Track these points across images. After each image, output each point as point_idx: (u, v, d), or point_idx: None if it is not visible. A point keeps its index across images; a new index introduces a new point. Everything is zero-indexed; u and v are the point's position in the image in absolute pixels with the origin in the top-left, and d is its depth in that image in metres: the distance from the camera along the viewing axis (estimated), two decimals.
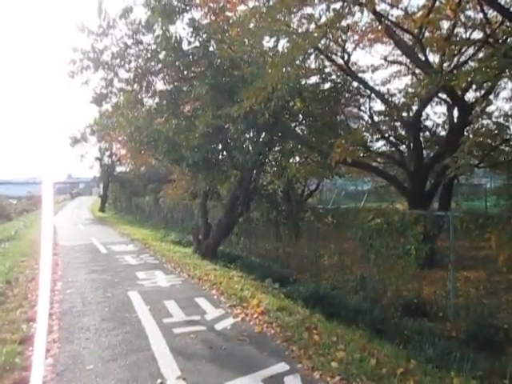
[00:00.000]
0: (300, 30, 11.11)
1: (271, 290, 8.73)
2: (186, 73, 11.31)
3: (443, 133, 14.05)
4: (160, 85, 12.18)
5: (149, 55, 11.14)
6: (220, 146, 12.11)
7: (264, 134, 11.25)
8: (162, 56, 11.00)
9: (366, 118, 14.52)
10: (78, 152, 34.65)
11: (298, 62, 9.80)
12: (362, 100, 14.21)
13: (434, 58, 12.25)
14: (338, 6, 9.27)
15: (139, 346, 5.25)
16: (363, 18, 11.52)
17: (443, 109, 14.09)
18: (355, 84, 13.08)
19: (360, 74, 13.43)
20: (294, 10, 10.60)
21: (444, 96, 12.33)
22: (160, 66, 11.31)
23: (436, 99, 13.08)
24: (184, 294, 7.88)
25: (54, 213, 35.78)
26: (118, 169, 39.38)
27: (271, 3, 9.30)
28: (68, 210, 45.14)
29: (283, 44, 10.86)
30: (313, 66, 12.76)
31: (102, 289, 8.53)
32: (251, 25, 10.21)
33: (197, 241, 13.68)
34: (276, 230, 13.30)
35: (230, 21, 11.11)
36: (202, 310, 6.81)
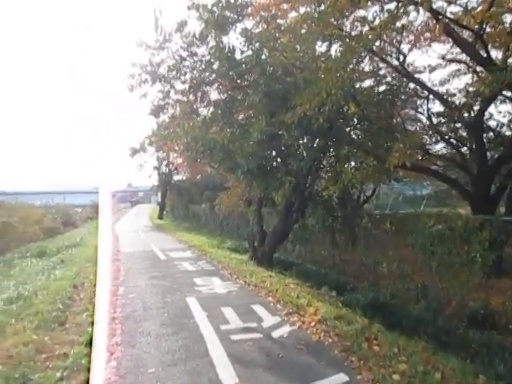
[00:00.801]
0: (353, 33, 10.93)
1: (328, 298, 8.58)
2: (239, 82, 11.47)
3: (508, 133, 13.25)
4: (214, 94, 12.48)
5: (203, 66, 11.44)
6: (274, 153, 12.15)
7: (318, 139, 11.15)
8: (215, 66, 11.25)
9: (424, 119, 14.00)
10: (137, 162, 36.07)
11: (351, 66, 9.66)
12: (419, 101, 13.73)
13: (496, 54, 11.60)
14: (392, 6, 9.08)
15: (198, 352, 5.33)
16: (419, 17, 11.19)
17: (508, 107, 13.30)
18: (412, 85, 12.67)
19: (417, 75, 12.99)
20: (347, 13, 10.48)
21: (509, 94, 11.64)
22: (214, 76, 11.56)
23: (500, 97, 12.36)
24: (240, 301, 7.93)
25: (116, 220, 37.41)
26: (176, 177, 40.58)
27: (323, 8, 9.23)
28: (128, 217, 46.96)
29: (336, 48, 10.78)
30: (367, 68, 12.53)
31: (161, 294, 8.78)
32: (303, 30, 10.19)
33: (252, 248, 13.75)
34: (332, 236, 13.08)
35: (282, 28, 11.16)
36: (259, 317, 6.81)
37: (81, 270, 11.82)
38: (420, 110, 13.88)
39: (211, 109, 12.23)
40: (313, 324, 6.36)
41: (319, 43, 10.78)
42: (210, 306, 7.54)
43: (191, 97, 12.00)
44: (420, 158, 12.30)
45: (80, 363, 5.01)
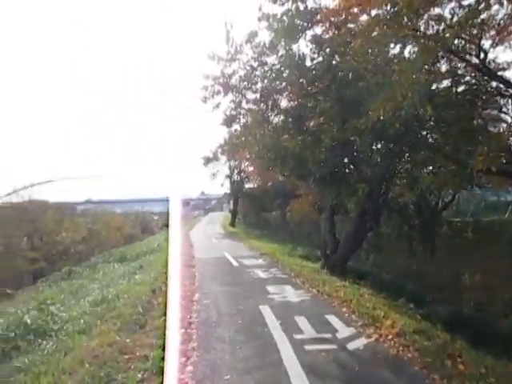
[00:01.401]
0: (428, 33, 10.46)
1: (405, 311, 8.21)
2: (309, 89, 11.42)
3: None
4: (285, 102, 12.52)
5: (273, 75, 11.53)
6: (346, 160, 11.92)
7: (393, 144, 10.77)
8: (286, 74, 11.29)
9: (510, 120, 12.97)
10: (210, 171, 37.15)
11: (427, 67, 9.24)
12: (502, 101, 12.76)
13: None
14: (471, 1, 8.56)
15: (272, 361, 5.32)
16: (502, 10, 10.44)
17: None
18: (494, 84, 11.81)
19: (500, 73, 12.09)
20: (421, 12, 10.05)
21: None
22: (284, 84, 11.61)
23: None
24: (314, 310, 7.82)
25: (190, 227, 38.68)
26: (247, 185, 41.19)
27: (396, 9, 8.93)
28: (202, 224, 48.34)
29: (409, 49, 10.37)
30: (443, 68, 11.89)
31: (234, 301, 8.90)
32: (374, 33, 9.93)
33: (324, 256, 13.55)
34: (408, 245, 12.55)
35: (353, 32, 10.96)
36: (333, 328, 6.66)
37: (158, 276, 12.33)
38: (504, 109, 12.89)
39: (282, 117, 12.29)
40: (390, 337, 6.10)
41: (392, 45, 10.44)
42: (283, 315, 7.51)
43: (262, 106, 12.13)
44: (504, 161, 11.42)
45: (159, 366, 5.19)
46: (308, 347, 5.78)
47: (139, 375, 4.94)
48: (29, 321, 7.48)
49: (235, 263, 15.19)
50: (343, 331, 6.49)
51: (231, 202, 49.60)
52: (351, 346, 5.82)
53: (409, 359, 5.29)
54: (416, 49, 9.78)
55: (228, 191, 46.89)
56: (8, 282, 18.52)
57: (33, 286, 17.37)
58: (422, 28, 10.95)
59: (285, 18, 10.38)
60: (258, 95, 11.87)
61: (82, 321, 7.45)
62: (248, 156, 23.87)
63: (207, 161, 33.94)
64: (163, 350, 5.82)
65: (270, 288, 10.11)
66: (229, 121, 12.41)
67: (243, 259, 16.11)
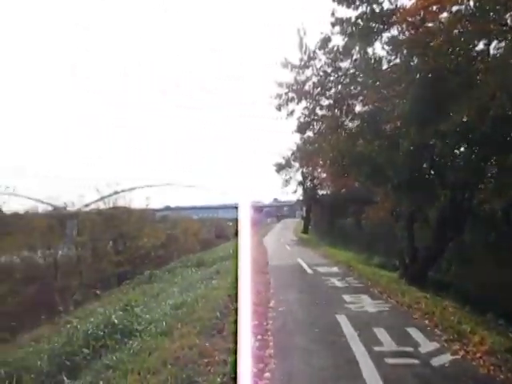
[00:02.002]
0: None
1: (495, 327, 7.60)
2: (386, 92, 11.10)
3: None
4: (359, 107, 12.29)
5: (348, 80, 11.37)
6: (426, 165, 11.38)
7: (478, 147, 10.10)
8: (360, 79, 11.08)
9: None
10: (282, 177, 37.34)
11: None
12: None
13: None
14: None
15: (350, 373, 5.18)
16: None
17: None
18: None
19: None
20: (509, 5, 9.38)
21: None
22: (359, 88, 11.41)
23: None
24: (393, 322, 7.51)
25: (264, 234, 39.04)
26: (320, 192, 40.79)
27: (480, 3, 8.42)
28: (275, 231, 48.56)
29: (495, 46, 9.70)
30: None
31: (310, 309, 8.81)
32: (455, 31, 9.44)
33: (403, 265, 13.00)
34: (496, 255, 11.64)
35: (431, 31, 10.49)
36: (415, 342, 6.35)
37: (234, 281, 12.54)
38: None
39: (357, 122, 12.06)
40: (479, 355, 5.68)
41: (475, 42, 9.84)
42: (360, 325, 7.29)
43: (336, 111, 12.01)
44: None
45: (237, 371, 5.26)
46: (389, 360, 5.55)
47: (218, 379, 5.04)
48: (116, 321, 7.97)
49: (310, 271, 15.05)
50: (426, 345, 6.15)
51: (304, 209, 49.43)
52: (435, 361, 5.50)
53: (501, 380, 4.89)
54: (503, 44, 9.13)
55: (301, 198, 46.77)
56: (97, 283, 19.94)
57: (117, 288, 18.49)
58: (509, 21, 10.24)
59: (359, 21, 10.21)
60: (331, 101, 11.78)
61: (163, 323, 7.78)
62: (321, 162, 23.65)
63: (280, 168, 34.20)
64: (240, 355, 5.90)
65: (347, 297, 9.89)
66: (302, 128, 12.43)
67: (317, 267, 15.92)
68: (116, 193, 30.66)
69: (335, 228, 35.41)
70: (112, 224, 27.71)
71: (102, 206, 31.33)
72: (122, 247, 27.46)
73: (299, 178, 40.72)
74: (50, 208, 33.68)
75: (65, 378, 6.41)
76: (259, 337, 6.74)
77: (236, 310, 8.93)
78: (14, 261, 22.84)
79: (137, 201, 32.70)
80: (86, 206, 34.52)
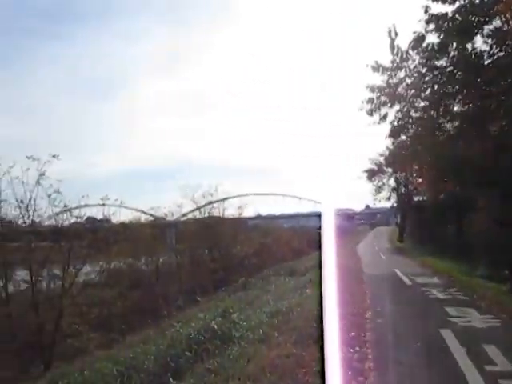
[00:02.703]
0: None
1: None
2: (489, 89, 10.30)
3: None
4: (458, 107, 11.56)
5: (444, 79, 10.78)
6: None
7: None
8: (459, 76, 10.44)
9: None
10: (374, 184, 36.21)
11: None
12: None
13: None
14: None
15: None
16: None
17: None
18: None
19: None
20: None
21: None
22: (457, 87, 10.74)
23: None
24: (507, 339, 6.85)
25: (356, 242, 38.08)
26: (415, 198, 38.82)
27: None
28: (368, 239, 47.14)
29: None
30: None
31: (411, 322, 8.39)
32: None
33: None
34: None
35: None
36: None
37: (328, 290, 12.36)
38: None
39: (456, 123, 11.34)
40: None
41: None
42: (468, 341, 6.75)
43: (432, 113, 11.42)
44: None
45: (335, 383, 5.16)
46: (504, 382, 5.07)
47: None
48: (215, 326, 8.27)
49: (407, 281, 14.35)
50: None
51: (398, 216, 47.43)
52: None
53: None
54: None
55: (394, 205, 44.94)
56: (195, 289, 20.87)
57: (214, 295, 19.17)
58: None
59: (457, 16, 9.63)
60: (427, 102, 11.25)
61: (260, 331, 7.89)
62: (417, 167, 22.54)
63: (372, 174, 33.21)
64: (338, 366, 5.78)
65: (450, 310, 9.24)
66: (396, 132, 11.99)
67: (416, 277, 15.14)
68: (211, 203, 31.99)
69: (433, 236, 33.36)
70: (207, 232, 28.92)
71: (198, 215, 32.90)
72: (217, 255, 28.47)
73: (392, 183, 39.23)
74: (151, 218, 36.15)
75: (171, 379, 6.79)
76: (357, 348, 6.55)
77: (330, 319, 8.81)
78: (121, 267, 24.75)
79: (230, 210, 33.69)
80: (184, 215, 36.49)
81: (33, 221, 15.13)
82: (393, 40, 10.82)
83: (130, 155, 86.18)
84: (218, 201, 32.21)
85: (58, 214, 16.24)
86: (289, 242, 36.35)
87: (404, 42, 10.90)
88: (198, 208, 32.63)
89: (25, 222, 14.91)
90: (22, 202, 14.22)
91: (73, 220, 17.49)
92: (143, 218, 35.30)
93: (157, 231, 30.23)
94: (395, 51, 10.92)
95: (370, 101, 10.89)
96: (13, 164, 14.09)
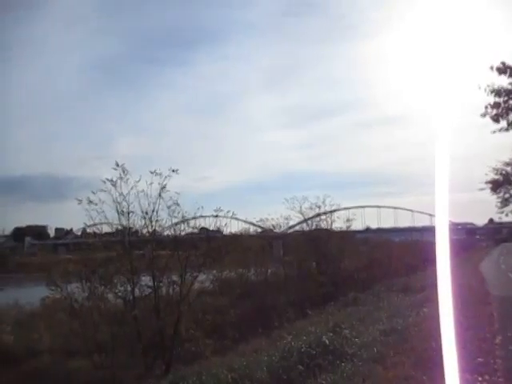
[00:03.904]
0: None
1: None
2: None
3: None
4: None
5: None
6: None
7: None
8: None
9: None
10: (500, 196, 32.75)
11: None
12: None
13: None
14: None
15: None
16: None
17: None
18: None
19: None
20: None
21: None
22: None
23: None
24: None
25: (479, 259, 34.91)
26: None
27: None
28: (492, 256, 42.83)
29: None
30: None
31: None
32: None
33: None
34: None
35: None
36: None
37: (449, 311, 11.43)
38: None
39: None
40: None
41: None
42: None
43: None
44: None
45: None
46: None
47: None
48: (327, 341, 8.07)
49: None
50: None
51: None
52: None
53: None
54: None
55: None
56: (304, 302, 20.76)
57: (323, 309, 18.82)
58: None
59: None
60: None
61: (374, 349, 7.53)
62: None
63: (497, 185, 30.15)
64: None
65: None
66: None
67: None
68: (318, 215, 31.66)
69: None
70: (315, 245, 28.60)
71: (305, 227, 32.76)
72: (325, 268, 27.97)
73: None
74: (259, 230, 36.98)
75: None
76: (486, 377, 5.93)
77: (452, 342, 8.09)
78: (232, 276, 25.59)
79: (338, 222, 32.89)
80: (291, 227, 36.64)
81: (154, 230, 16.32)
82: None
83: (241, 168, 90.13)
84: (325, 213, 31.70)
85: (176, 225, 17.37)
86: (401, 257, 34.47)
87: None
88: (306, 220, 32.49)
89: (148, 232, 16.14)
90: (146, 213, 15.46)
91: (189, 230, 18.54)
92: (252, 229, 36.22)
93: (265, 243, 30.78)
94: None
95: (496, 105, 9.91)
96: (139, 179, 15.22)
